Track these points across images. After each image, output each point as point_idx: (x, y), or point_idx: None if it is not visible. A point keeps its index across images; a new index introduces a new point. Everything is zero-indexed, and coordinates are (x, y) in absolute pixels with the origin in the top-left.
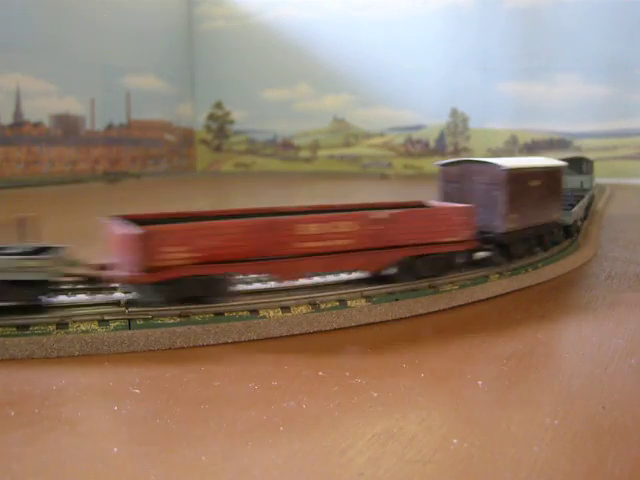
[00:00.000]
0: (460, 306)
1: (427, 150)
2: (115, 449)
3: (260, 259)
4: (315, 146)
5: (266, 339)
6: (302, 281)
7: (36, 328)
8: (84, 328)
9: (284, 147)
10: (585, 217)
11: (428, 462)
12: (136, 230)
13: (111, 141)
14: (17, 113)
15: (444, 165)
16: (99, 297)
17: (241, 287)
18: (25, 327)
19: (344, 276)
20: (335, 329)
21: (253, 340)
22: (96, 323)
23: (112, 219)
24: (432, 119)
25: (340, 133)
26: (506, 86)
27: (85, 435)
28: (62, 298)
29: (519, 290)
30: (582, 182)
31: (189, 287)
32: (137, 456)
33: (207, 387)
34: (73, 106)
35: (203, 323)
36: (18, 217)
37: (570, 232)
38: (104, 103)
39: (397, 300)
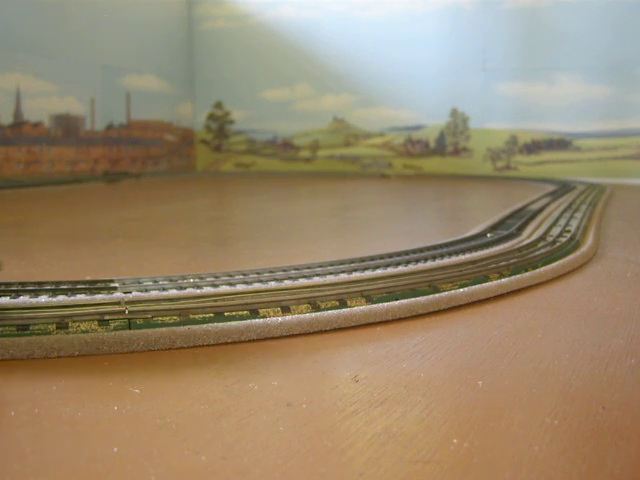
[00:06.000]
0: (460, 306)
1: (427, 150)
2: (115, 449)
3: None
4: (315, 146)
5: (266, 339)
6: (302, 281)
7: (36, 328)
8: (84, 328)
9: (284, 147)
10: None
11: (428, 462)
12: None
13: (111, 141)
14: (17, 113)
15: None
16: (99, 297)
17: (241, 287)
18: (25, 327)
19: (344, 276)
20: (335, 329)
21: (253, 340)
22: (96, 323)
23: None
24: (432, 119)
25: (340, 133)
26: (506, 86)
27: (85, 435)
28: (62, 298)
29: (519, 290)
30: None
31: None
32: (137, 456)
33: (207, 388)
34: (73, 106)
35: (203, 323)
36: None
37: None
38: (104, 103)
39: (397, 300)
